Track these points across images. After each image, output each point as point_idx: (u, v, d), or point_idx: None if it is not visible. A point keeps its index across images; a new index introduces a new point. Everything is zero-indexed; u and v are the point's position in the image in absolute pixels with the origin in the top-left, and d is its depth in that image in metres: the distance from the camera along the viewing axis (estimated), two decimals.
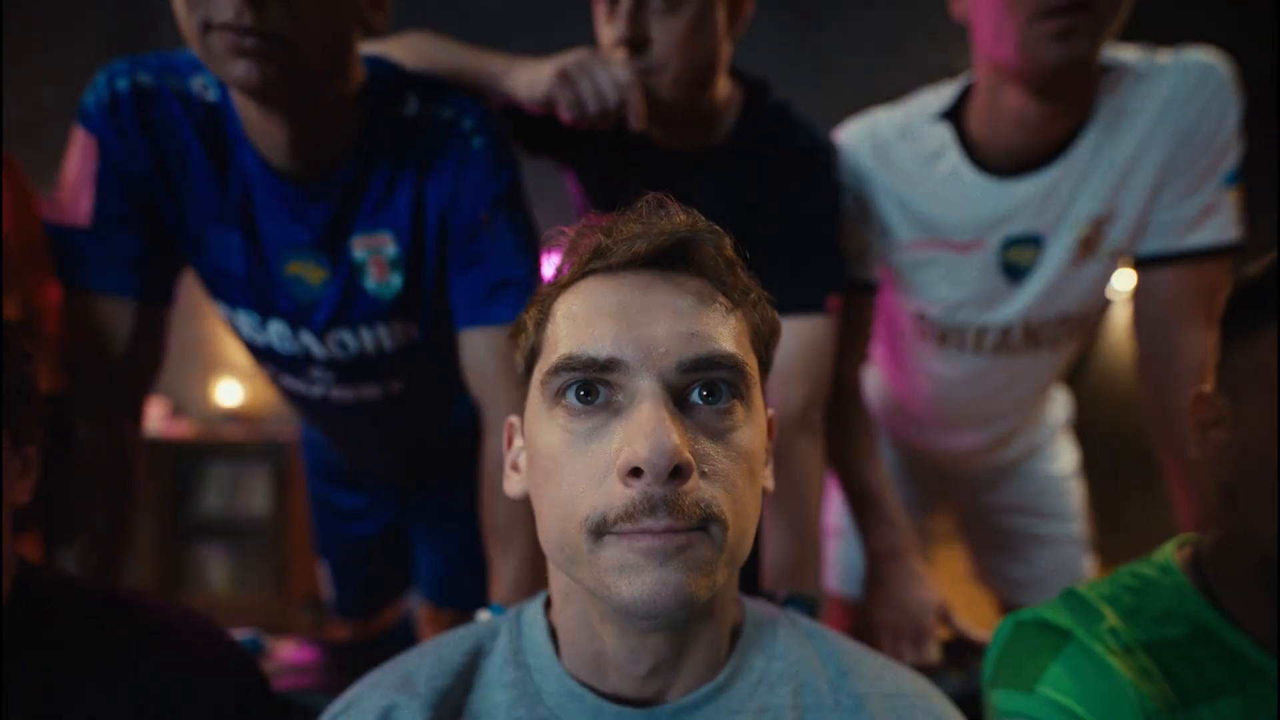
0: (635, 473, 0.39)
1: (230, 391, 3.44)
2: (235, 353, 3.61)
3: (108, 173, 0.75)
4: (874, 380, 1.24)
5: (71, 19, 2.76)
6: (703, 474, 0.41)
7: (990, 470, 1.24)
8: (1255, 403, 0.51)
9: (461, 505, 1.02)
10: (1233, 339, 0.55)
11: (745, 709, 0.47)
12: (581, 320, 0.43)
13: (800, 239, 0.90)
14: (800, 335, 0.88)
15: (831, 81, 2.51)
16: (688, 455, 0.39)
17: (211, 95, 0.76)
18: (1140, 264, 0.93)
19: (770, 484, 0.48)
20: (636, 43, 0.81)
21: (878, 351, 1.22)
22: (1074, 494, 1.26)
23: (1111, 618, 0.57)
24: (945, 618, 0.90)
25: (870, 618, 0.93)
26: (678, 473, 0.39)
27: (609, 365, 0.41)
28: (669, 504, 0.39)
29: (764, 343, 0.48)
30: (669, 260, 0.44)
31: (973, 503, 1.29)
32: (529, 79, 0.81)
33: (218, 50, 0.63)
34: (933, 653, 0.87)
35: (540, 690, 0.48)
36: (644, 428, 0.39)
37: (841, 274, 0.94)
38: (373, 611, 1.29)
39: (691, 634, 0.46)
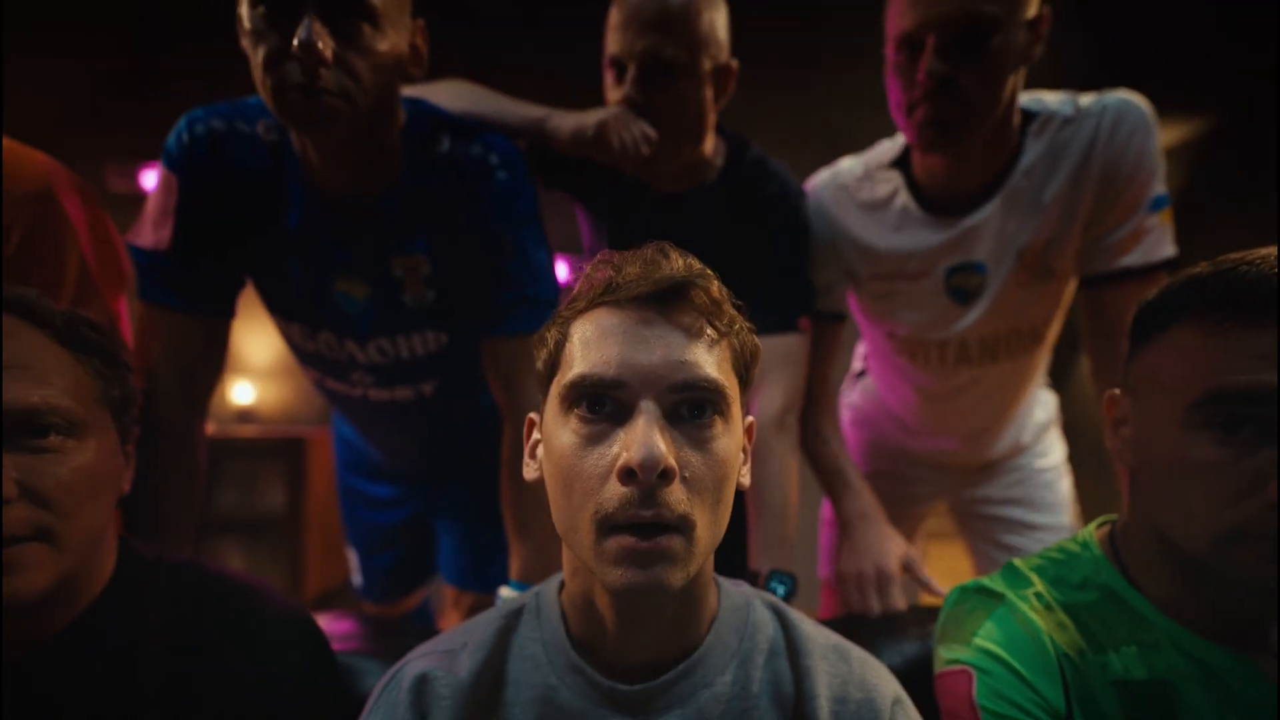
0: (630, 474, 0.49)
1: (243, 392, 3.56)
2: (248, 354, 3.72)
3: (186, 205, 0.86)
4: (872, 395, 1.37)
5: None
6: (684, 479, 0.50)
7: (979, 466, 1.35)
8: (1149, 403, 0.62)
9: (482, 500, 1.14)
10: (1134, 349, 0.66)
11: (718, 681, 0.57)
12: (593, 345, 0.53)
13: (775, 270, 1.05)
14: (776, 350, 1.02)
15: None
16: (672, 462, 0.49)
17: (273, 136, 0.88)
18: (1084, 284, 1.04)
19: (747, 481, 0.59)
20: (640, 109, 0.96)
21: (873, 368, 1.35)
22: (1063, 486, 1.35)
23: (1038, 584, 0.68)
24: (909, 566, 0.99)
25: (838, 570, 1.04)
26: (664, 475, 0.48)
27: (614, 385, 0.51)
28: (655, 500, 0.49)
29: (745, 365, 0.58)
30: (666, 298, 0.53)
31: (966, 497, 1.39)
32: (575, 123, 0.96)
33: (290, 106, 0.75)
34: (898, 599, 0.95)
35: (551, 663, 0.58)
36: (638, 439, 0.49)
37: (811, 298, 1.08)
38: (398, 596, 1.40)
39: (672, 612, 0.56)
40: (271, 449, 2.97)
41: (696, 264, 0.56)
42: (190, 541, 0.91)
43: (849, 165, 1.12)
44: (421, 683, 0.58)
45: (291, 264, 0.91)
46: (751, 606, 0.62)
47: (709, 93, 1.00)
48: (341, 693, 0.71)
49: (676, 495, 0.50)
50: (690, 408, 0.52)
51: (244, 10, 0.75)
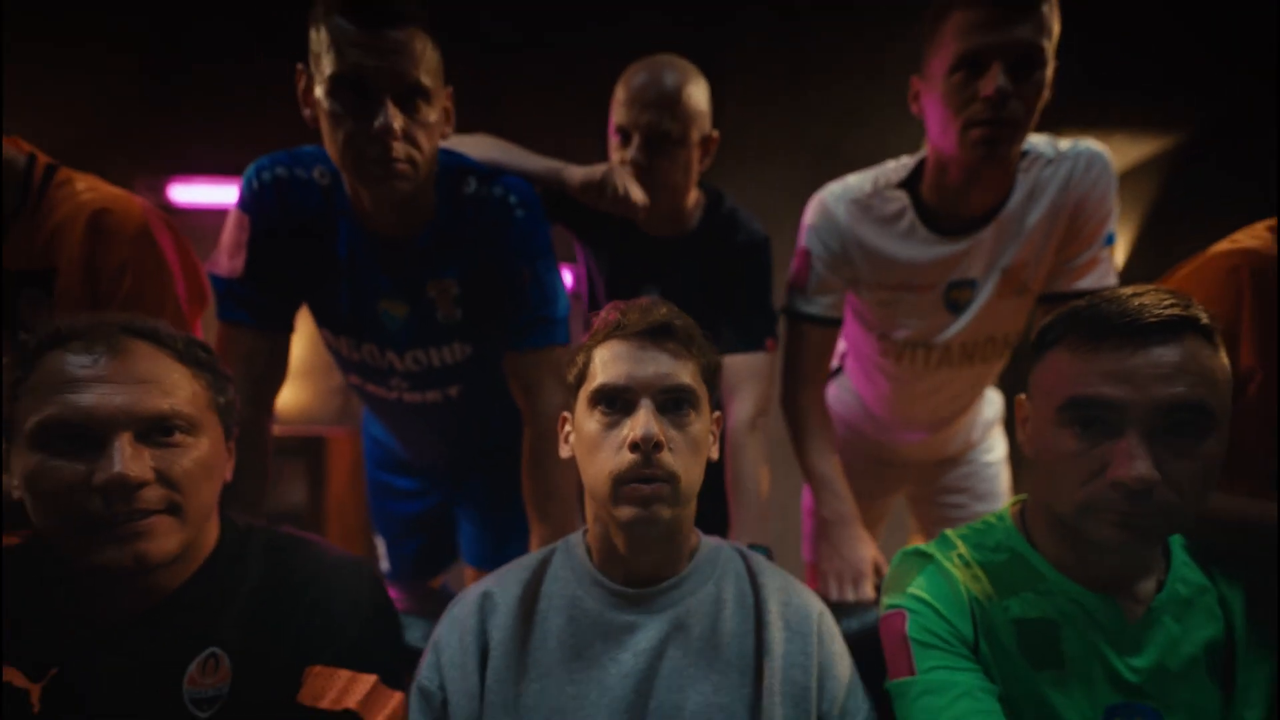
0: (635, 447, 0.72)
1: None
2: None
3: (255, 240, 1.03)
4: (847, 392, 1.53)
5: None
6: (670, 449, 0.74)
7: (936, 461, 1.52)
8: (1038, 405, 0.79)
9: (499, 490, 1.32)
10: (1032, 361, 0.82)
11: (697, 593, 0.82)
12: (609, 364, 0.77)
13: (746, 302, 1.25)
14: (748, 366, 1.21)
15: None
16: (662, 438, 0.73)
17: (325, 180, 1.04)
18: (1043, 299, 1.21)
19: (715, 454, 0.82)
20: (641, 169, 1.15)
21: (849, 367, 1.51)
22: (1004, 478, 1.55)
23: (961, 547, 0.84)
24: (879, 569, 1.18)
25: (819, 568, 1.21)
26: (657, 446, 0.72)
27: (624, 390, 0.76)
28: (652, 463, 0.73)
29: (710, 374, 0.82)
30: (656, 333, 0.77)
31: (924, 487, 1.58)
32: (585, 174, 1.14)
33: (368, 175, 0.93)
34: (869, 592, 1.14)
35: (578, 580, 0.83)
36: (641, 424, 0.73)
37: (775, 324, 1.26)
38: (422, 579, 1.57)
39: (664, 541, 0.79)
40: (292, 447, 3.10)
41: (675, 310, 0.79)
42: (261, 518, 1.07)
43: (857, 181, 1.22)
44: (484, 598, 0.83)
45: (341, 288, 1.07)
46: (722, 549, 0.88)
47: (695, 156, 1.19)
48: (398, 619, 0.88)
49: (665, 459, 0.74)
50: (674, 404, 0.77)
51: (322, 95, 0.92)
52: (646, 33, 3.07)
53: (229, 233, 1.04)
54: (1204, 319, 0.70)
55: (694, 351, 0.79)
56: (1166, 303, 0.70)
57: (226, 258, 1.04)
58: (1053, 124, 1.18)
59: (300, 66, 0.95)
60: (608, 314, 0.80)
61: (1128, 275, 1.12)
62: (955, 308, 1.22)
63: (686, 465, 0.75)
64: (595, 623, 0.80)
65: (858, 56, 3.08)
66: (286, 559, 0.82)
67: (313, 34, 0.92)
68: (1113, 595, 0.77)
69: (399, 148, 0.92)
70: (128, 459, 0.68)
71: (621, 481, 0.73)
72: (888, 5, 3.04)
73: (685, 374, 0.77)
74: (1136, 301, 0.71)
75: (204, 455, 0.75)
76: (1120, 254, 2.17)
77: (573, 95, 2.89)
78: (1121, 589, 0.77)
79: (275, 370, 1.10)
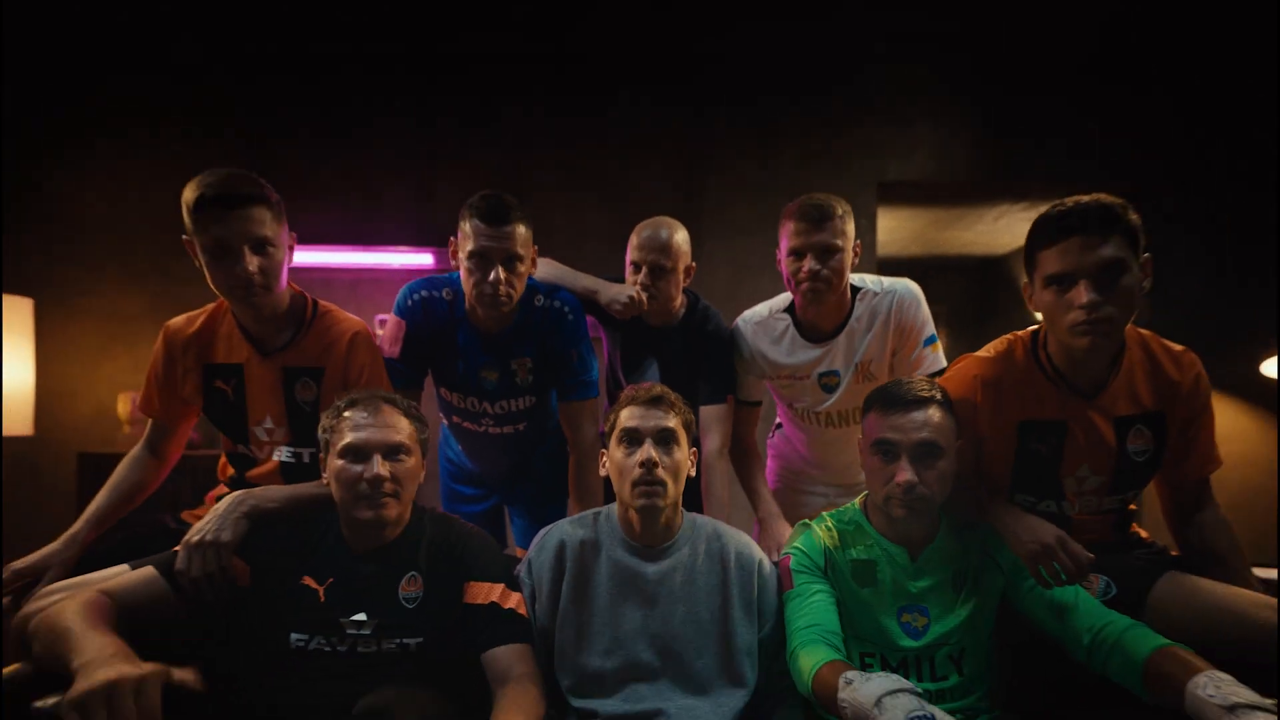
0: (643, 465, 1.33)
1: None
2: None
3: (408, 334, 1.67)
4: (785, 440, 2.16)
5: None
6: (663, 468, 1.33)
7: (848, 484, 2.11)
8: (863, 444, 1.43)
9: (544, 494, 1.98)
10: (862, 416, 1.45)
11: (684, 550, 1.40)
12: (628, 419, 1.37)
13: (714, 370, 1.88)
14: (716, 413, 1.85)
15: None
16: (658, 460, 1.33)
17: (450, 296, 1.69)
18: None
19: (694, 472, 1.43)
20: (648, 288, 1.80)
21: (784, 424, 2.14)
22: None
23: (828, 521, 1.48)
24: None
25: (760, 543, 1.82)
26: (655, 465, 1.32)
27: (636, 432, 1.36)
28: (653, 475, 1.33)
29: (687, 425, 1.40)
30: (656, 402, 1.37)
31: (838, 501, 2.19)
32: (610, 293, 1.79)
33: (486, 304, 1.58)
34: None
35: (611, 533, 1.42)
36: (645, 452, 1.34)
37: (734, 385, 1.91)
38: None
39: (662, 519, 1.38)
40: None
41: (665, 388, 1.40)
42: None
43: (759, 309, 1.92)
44: (560, 545, 1.41)
45: (457, 363, 1.72)
46: (698, 520, 1.47)
47: (681, 279, 1.85)
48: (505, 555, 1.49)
49: (660, 473, 1.34)
50: (664, 441, 1.37)
51: (463, 258, 1.58)
52: (649, 129, 3.76)
53: (390, 328, 1.69)
54: (939, 396, 1.35)
55: (677, 411, 1.39)
56: (921, 386, 1.35)
57: (389, 344, 1.69)
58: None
59: (452, 239, 1.62)
60: (627, 392, 1.42)
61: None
62: (828, 389, 1.88)
63: (673, 477, 1.35)
64: (621, 564, 1.40)
65: (818, 148, 3.77)
66: (445, 524, 1.44)
67: (462, 222, 1.58)
68: (904, 546, 1.40)
69: (503, 290, 1.57)
70: (379, 467, 1.31)
71: (635, 485, 1.34)
72: (843, 103, 3.79)
73: (671, 423, 1.37)
74: (907, 385, 1.36)
75: (413, 467, 1.38)
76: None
77: (586, 174, 3.59)
78: (910, 542, 1.41)
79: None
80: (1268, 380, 3.48)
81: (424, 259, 3.61)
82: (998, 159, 3.76)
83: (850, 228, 1.72)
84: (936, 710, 1.00)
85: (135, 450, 1.66)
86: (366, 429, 1.32)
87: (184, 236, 1.44)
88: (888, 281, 1.82)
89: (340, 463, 1.31)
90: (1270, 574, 2.71)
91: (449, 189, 3.65)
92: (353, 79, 3.68)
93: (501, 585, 1.37)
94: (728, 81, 3.70)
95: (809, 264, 1.69)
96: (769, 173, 3.68)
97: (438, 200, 3.66)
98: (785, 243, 1.75)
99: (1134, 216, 1.28)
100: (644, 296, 1.78)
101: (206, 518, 1.33)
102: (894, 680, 1.06)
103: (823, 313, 1.79)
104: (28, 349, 3.26)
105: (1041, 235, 1.32)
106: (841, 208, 1.72)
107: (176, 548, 1.29)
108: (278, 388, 1.55)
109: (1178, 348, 1.43)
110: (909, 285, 1.81)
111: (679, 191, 3.61)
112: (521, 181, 3.67)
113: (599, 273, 1.94)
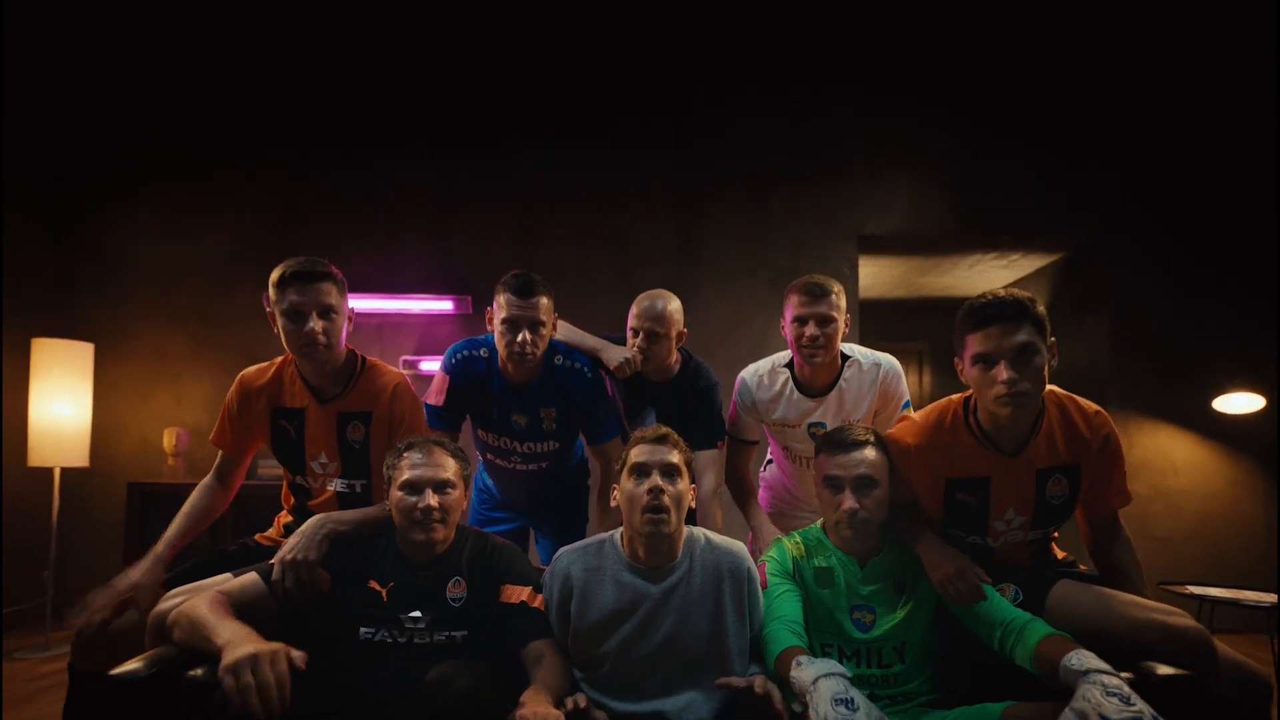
0: (650, 493, 1.53)
1: None
2: None
3: (450, 387, 2.03)
4: (775, 476, 2.50)
5: None
6: (667, 496, 1.52)
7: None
8: (817, 478, 1.76)
9: (563, 519, 2.32)
10: (816, 457, 1.79)
11: (685, 568, 1.60)
12: (637, 455, 1.58)
13: (705, 420, 2.21)
14: (708, 457, 2.17)
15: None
16: (663, 489, 1.53)
17: (486, 354, 2.06)
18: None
19: (694, 503, 1.68)
20: (645, 352, 2.14)
21: (776, 461, 2.47)
22: None
23: (796, 537, 1.80)
24: None
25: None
26: (661, 494, 1.53)
27: (644, 465, 1.57)
28: (660, 504, 1.53)
29: (687, 460, 1.61)
30: (661, 440, 1.59)
31: None
32: (610, 354, 2.14)
33: (514, 360, 1.95)
34: None
35: (615, 559, 1.62)
36: (654, 483, 1.54)
37: (724, 431, 2.24)
38: None
39: (667, 543, 1.58)
40: None
41: (669, 429, 1.69)
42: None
43: (762, 364, 2.21)
44: (566, 570, 1.63)
45: (493, 409, 2.08)
46: (693, 533, 1.66)
47: (674, 343, 2.19)
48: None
49: (664, 501, 1.53)
50: (668, 474, 1.56)
51: (497, 324, 1.94)
52: (653, 185, 4.17)
53: (437, 381, 2.06)
54: (873, 439, 1.68)
55: (680, 449, 1.59)
56: (859, 431, 1.69)
57: (434, 395, 2.05)
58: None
59: (489, 309, 1.99)
60: (636, 434, 1.69)
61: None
62: (814, 437, 2.19)
63: (675, 505, 1.52)
64: (626, 585, 1.57)
65: (805, 202, 4.14)
66: (482, 540, 1.78)
67: (497, 295, 1.95)
68: (855, 557, 1.72)
69: (529, 349, 1.92)
70: (430, 499, 1.65)
71: (644, 510, 1.52)
72: (828, 170, 4.22)
73: (674, 458, 1.56)
74: (847, 431, 1.70)
75: (458, 498, 1.72)
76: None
77: (596, 232, 3.98)
78: (859, 554, 1.72)
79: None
80: (1219, 414, 3.80)
81: (444, 305, 4.06)
82: (969, 213, 4.14)
83: (843, 303, 2.07)
84: (858, 694, 1.30)
85: (206, 480, 1.95)
86: (421, 467, 1.66)
87: (266, 309, 1.82)
88: (871, 354, 2.16)
89: (399, 494, 1.65)
90: (1270, 598, 2.91)
91: (465, 244, 4.09)
92: (377, 149, 4.22)
93: (529, 588, 1.69)
94: (724, 145, 4.13)
95: (810, 329, 2.01)
96: (760, 225, 4.07)
97: (455, 254, 4.12)
98: (790, 312, 2.06)
99: (1041, 309, 1.51)
100: (639, 359, 2.12)
101: (294, 538, 1.66)
102: (829, 665, 1.37)
103: (818, 371, 2.12)
104: (87, 389, 3.65)
105: (968, 322, 1.54)
106: (836, 287, 2.05)
107: (272, 560, 1.63)
108: (332, 429, 1.88)
109: (1092, 407, 1.64)
110: (893, 361, 2.16)
111: (679, 237, 4.04)
112: (532, 231, 4.08)
113: (604, 309, 2.31)
